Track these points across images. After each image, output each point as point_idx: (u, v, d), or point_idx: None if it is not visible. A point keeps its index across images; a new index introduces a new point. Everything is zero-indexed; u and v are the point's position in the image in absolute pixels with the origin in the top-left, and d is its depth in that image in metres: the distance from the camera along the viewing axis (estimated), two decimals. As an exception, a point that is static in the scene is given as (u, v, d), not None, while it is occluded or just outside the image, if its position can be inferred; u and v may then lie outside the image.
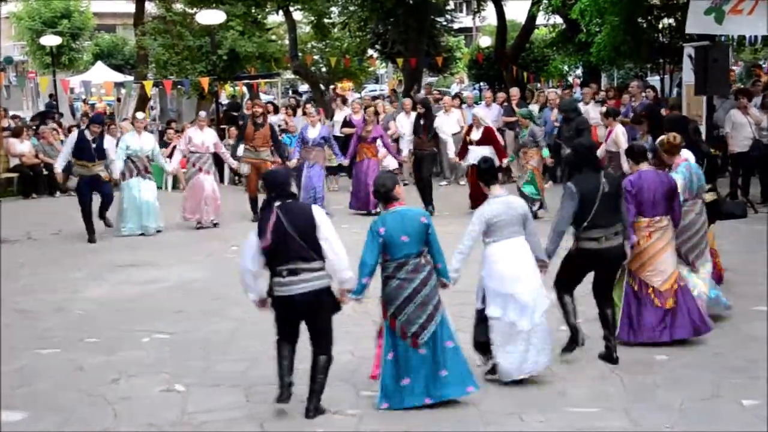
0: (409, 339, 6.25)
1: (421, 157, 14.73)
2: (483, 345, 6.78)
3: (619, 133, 12.91)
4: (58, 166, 13.42)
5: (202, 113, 15.33)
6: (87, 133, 13.22)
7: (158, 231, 13.66)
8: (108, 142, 13.57)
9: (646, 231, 7.49)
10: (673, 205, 7.58)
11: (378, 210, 14.04)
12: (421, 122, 14.74)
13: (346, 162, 15.15)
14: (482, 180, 6.80)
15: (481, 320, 6.76)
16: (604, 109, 14.94)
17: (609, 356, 7.16)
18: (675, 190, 7.60)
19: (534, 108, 17.97)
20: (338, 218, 14.07)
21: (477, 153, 14.20)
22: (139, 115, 15.39)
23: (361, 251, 6.30)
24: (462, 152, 14.95)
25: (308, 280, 6.09)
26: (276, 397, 6.23)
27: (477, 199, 14.22)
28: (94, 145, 13.10)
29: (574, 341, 7.20)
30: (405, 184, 17.72)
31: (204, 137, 14.16)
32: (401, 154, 16.38)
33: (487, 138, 14.28)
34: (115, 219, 13.55)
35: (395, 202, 6.38)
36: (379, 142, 14.85)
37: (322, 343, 6.25)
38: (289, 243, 6.03)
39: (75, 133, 13.41)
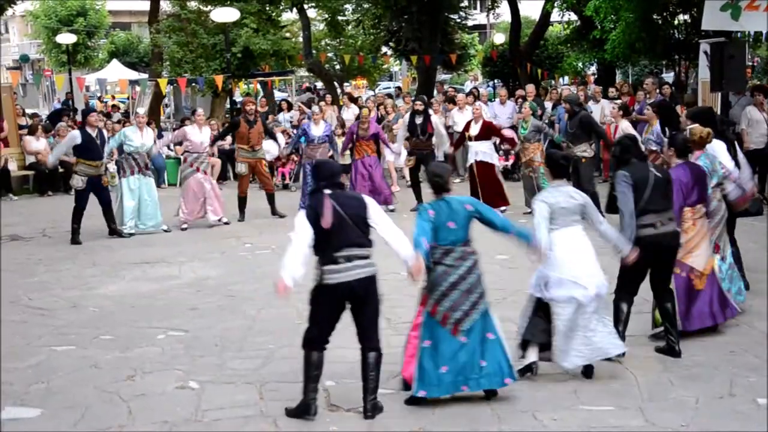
0: (450, 326, 6.28)
1: (422, 157, 14.61)
2: (526, 342, 6.81)
3: (627, 128, 12.92)
4: (52, 161, 12.81)
5: (200, 110, 15.08)
6: (88, 129, 12.84)
7: (166, 230, 13.51)
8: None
9: (691, 220, 7.61)
10: (705, 194, 7.76)
11: (391, 207, 14.13)
12: (418, 122, 14.46)
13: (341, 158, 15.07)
14: (556, 170, 6.85)
15: (537, 310, 6.77)
16: (618, 102, 14.91)
17: (671, 350, 7.19)
18: (705, 177, 7.76)
19: (547, 105, 17.93)
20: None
21: (476, 148, 14.23)
22: (140, 110, 15.28)
23: (413, 233, 6.31)
24: (458, 144, 15.02)
25: (362, 266, 6.10)
26: (304, 411, 6.15)
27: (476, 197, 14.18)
28: (99, 141, 12.80)
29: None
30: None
31: (203, 137, 13.87)
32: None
33: (486, 133, 14.24)
34: (118, 218, 13.32)
35: (446, 192, 6.44)
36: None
37: (372, 336, 6.21)
38: (346, 228, 6.04)
39: (76, 132, 12.95)
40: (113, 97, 34.94)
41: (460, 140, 14.90)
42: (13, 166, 18.39)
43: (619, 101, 16.32)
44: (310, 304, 6.21)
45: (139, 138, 13.33)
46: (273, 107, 22.64)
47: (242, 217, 14.34)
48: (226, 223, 13.91)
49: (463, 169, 18.33)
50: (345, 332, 7.57)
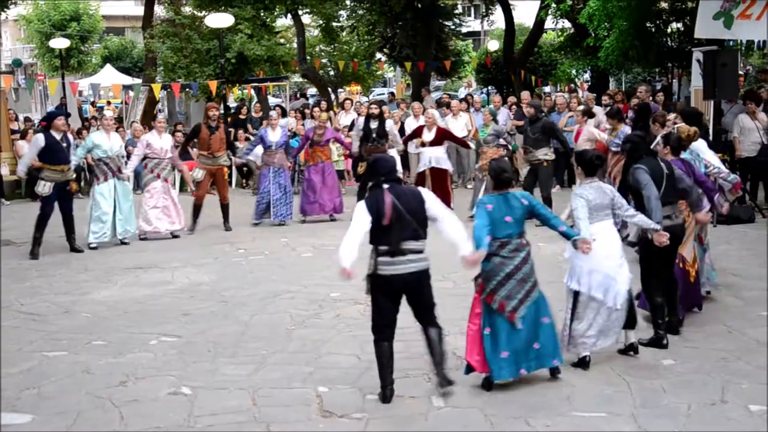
0: (507, 313, 6.57)
1: None
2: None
3: (589, 132, 13.01)
4: (22, 171, 12.26)
5: (160, 116, 14.86)
6: (53, 132, 12.23)
7: (143, 238, 13.29)
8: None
9: (686, 211, 7.92)
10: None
11: (335, 217, 14.20)
12: (373, 126, 14.35)
13: (290, 163, 14.82)
14: (588, 168, 7.07)
15: (576, 302, 7.07)
16: (581, 108, 14.92)
17: (668, 327, 7.48)
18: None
19: (541, 111, 17.91)
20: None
21: (429, 154, 14.23)
22: (108, 113, 14.95)
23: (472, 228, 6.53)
24: (406, 141, 14.97)
25: (416, 260, 6.30)
26: (382, 399, 6.46)
27: None
28: (65, 144, 12.33)
29: (656, 343, 7.45)
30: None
31: (162, 142, 13.52)
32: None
33: (440, 139, 14.25)
34: (87, 224, 12.97)
35: (507, 187, 6.71)
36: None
37: (429, 315, 6.46)
38: (403, 222, 6.24)
39: (39, 136, 12.39)
40: (109, 102, 34.84)
41: (407, 141, 14.93)
42: (5, 171, 18.34)
43: (583, 107, 16.25)
44: (369, 293, 6.44)
45: (107, 141, 12.94)
46: (267, 113, 22.64)
47: (193, 228, 13.88)
48: (176, 237, 13.54)
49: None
50: (337, 338, 7.59)
